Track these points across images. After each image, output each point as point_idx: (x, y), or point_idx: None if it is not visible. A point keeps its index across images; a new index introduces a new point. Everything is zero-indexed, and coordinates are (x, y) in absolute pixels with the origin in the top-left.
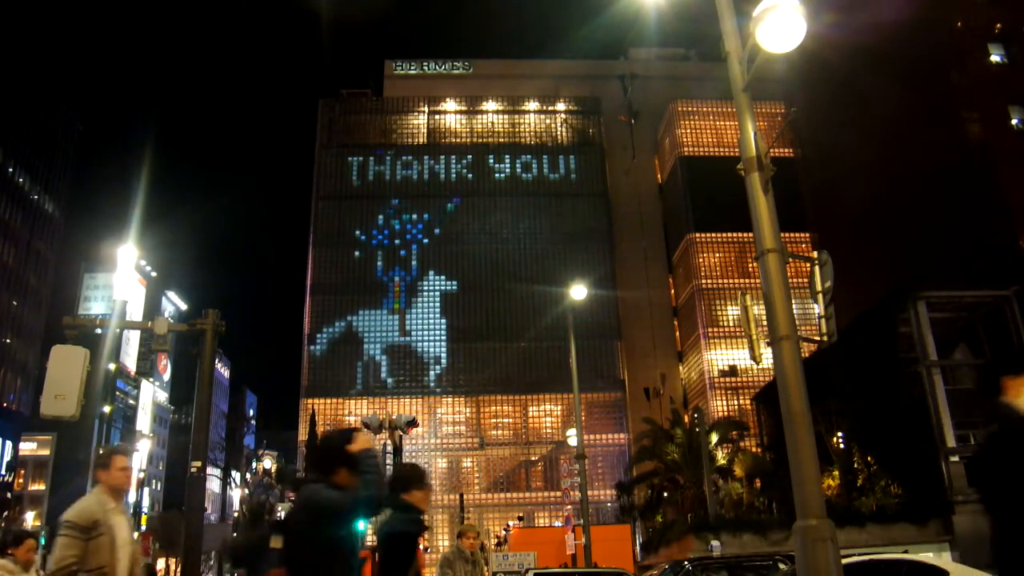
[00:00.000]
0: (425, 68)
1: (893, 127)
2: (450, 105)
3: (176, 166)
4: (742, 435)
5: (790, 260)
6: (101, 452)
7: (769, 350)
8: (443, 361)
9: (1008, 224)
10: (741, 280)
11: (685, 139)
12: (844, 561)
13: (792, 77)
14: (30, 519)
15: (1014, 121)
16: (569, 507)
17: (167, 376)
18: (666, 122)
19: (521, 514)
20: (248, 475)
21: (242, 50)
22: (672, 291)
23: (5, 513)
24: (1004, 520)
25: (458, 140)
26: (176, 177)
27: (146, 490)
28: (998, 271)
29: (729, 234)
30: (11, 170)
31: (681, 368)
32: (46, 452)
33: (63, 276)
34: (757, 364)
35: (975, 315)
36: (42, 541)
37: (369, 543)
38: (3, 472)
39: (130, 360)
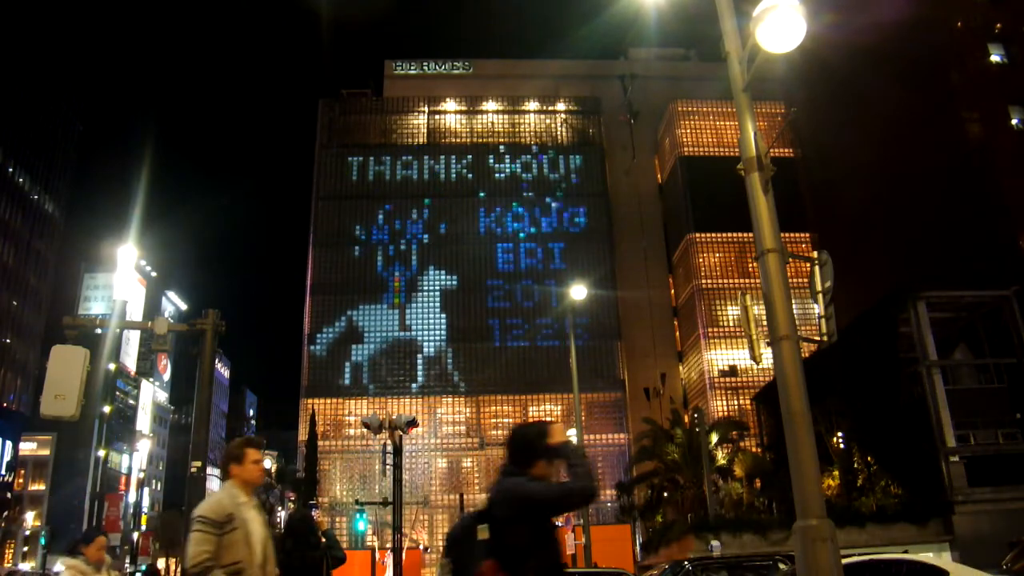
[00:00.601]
0: (425, 68)
1: (893, 127)
2: (450, 105)
3: (176, 166)
4: (742, 435)
5: (790, 260)
6: (233, 444)
7: (769, 350)
8: (443, 361)
9: (1008, 224)
10: (741, 280)
11: (685, 139)
12: (844, 561)
13: (792, 77)
14: (30, 519)
15: (1014, 121)
16: None
17: (167, 376)
18: (666, 122)
19: None
20: None
21: (242, 50)
22: (672, 291)
23: (5, 513)
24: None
25: (458, 140)
26: (176, 177)
27: (146, 490)
28: (998, 271)
29: (729, 234)
30: (11, 170)
31: (681, 368)
32: (46, 452)
33: (63, 276)
34: (757, 364)
35: (975, 315)
36: (42, 541)
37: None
38: (3, 472)
39: (130, 360)
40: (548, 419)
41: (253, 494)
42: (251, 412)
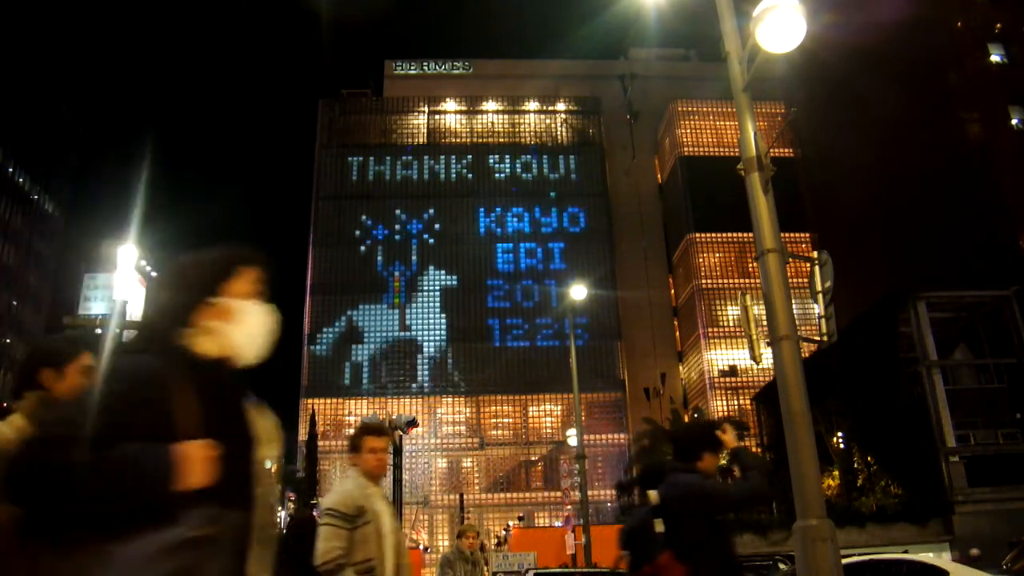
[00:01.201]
0: (425, 68)
1: (893, 127)
2: (450, 105)
3: (176, 166)
4: (742, 435)
5: (790, 260)
6: (353, 433)
7: (769, 350)
8: (443, 361)
9: (1008, 224)
10: (741, 280)
11: (685, 139)
12: (844, 561)
13: (792, 77)
14: None
15: (1014, 121)
16: (569, 507)
17: None
18: (666, 122)
19: (521, 514)
20: None
21: (242, 50)
22: (672, 291)
23: None
24: None
25: (458, 140)
26: (176, 177)
27: None
28: (998, 271)
29: (729, 234)
30: (11, 170)
31: (681, 368)
32: None
33: (63, 276)
34: (757, 364)
35: (975, 315)
36: None
37: None
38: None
39: None
40: (723, 418)
41: (379, 484)
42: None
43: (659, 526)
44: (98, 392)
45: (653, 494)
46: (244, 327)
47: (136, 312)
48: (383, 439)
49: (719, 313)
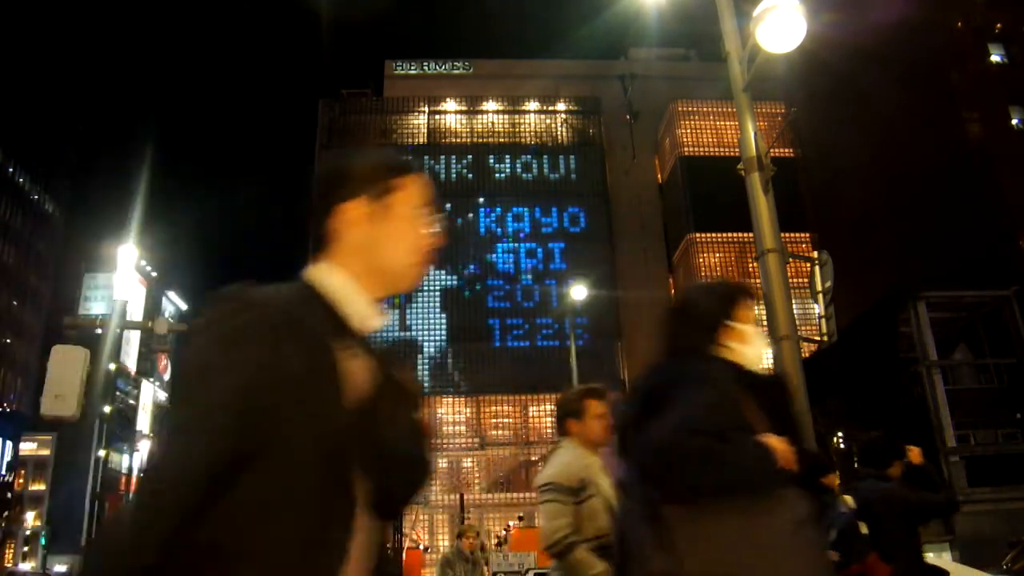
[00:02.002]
0: (425, 68)
1: (893, 127)
2: (450, 105)
3: (176, 166)
4: None
5: (790, 260)
6: (570, 395)
7: (769, 350)
8: (443, 361)
9: (1008, 224)
10: (741, 280)
11: (685, 139)
12: None
13: (792, 77)
14: (30, 519)
15: (1014, 121)
16: None
17: (167, 376)
18: (666, 122)
19: (521, 514)
20: None
21: (242, 50)
22: (672, 291)
23: (6, 513)
24: None
25: (458, 140)
26: (177, 177)
27: None
28: (998, 271)
29: (729, 234)
30: (11, 170)
31: None
32: (46, 452)
33: (63, 276)
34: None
35: (975, 315)
36: (42, 541)
37: None
38: (3, 472)
39: (130, 360)
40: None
41: (598, 454)
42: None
43: (864, 527)
44: (701, 393)
45: (849, 499)
46: (753, 347)
47: (136, 312)
48: (604, 403)
49: None
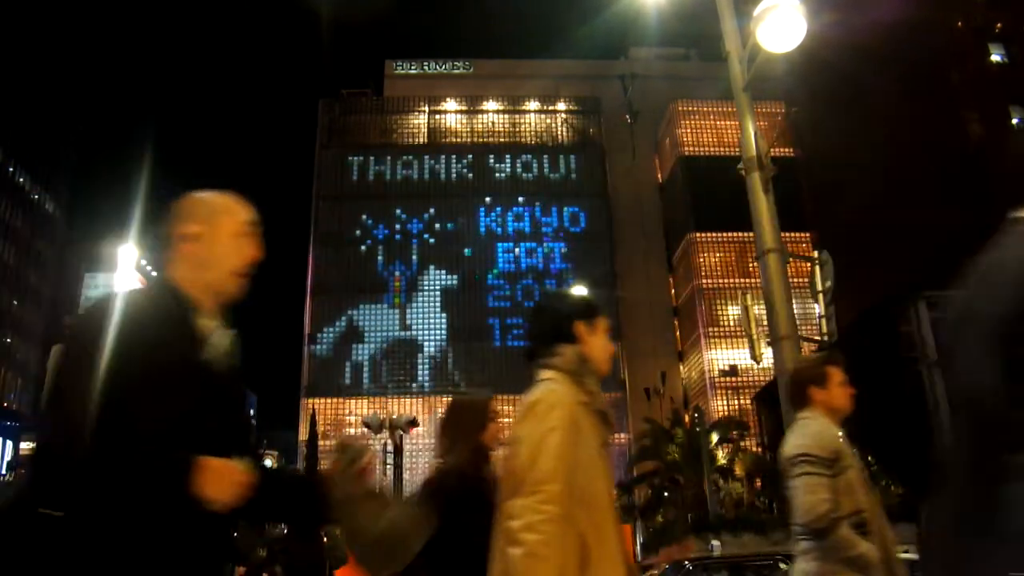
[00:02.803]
0: (425, 68)
1: (894, 127)
2: (450, 105)
3: (177, 166)
4: (742, 435)
5: (790, 260)
6: (808, 364)
7: (769, 350)
8: (443, 361)
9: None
10: (741, 280)
11: (685, 139)
12: None
13: (793, 77)
14: None
15: (1014, 121)
16: None
17: None
18: (666, 122)
19: None
20: None
21: (242, 50)
22: (672, 291)
23: None
24: None
25: (458, 140)
26: (177, 177)
27: None
28: None
29: (729, 234)
30: (11, 170)
31: (681, 368)
32: None
33: (63, 276)
34: (757, 364)
35: None
36: None
37: None
38: (3, 472)
39: None
40: None
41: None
42: (251, 411)
43: None
44: None
45: None
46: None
47: None
48: (843, 371)
49: (719, 313)
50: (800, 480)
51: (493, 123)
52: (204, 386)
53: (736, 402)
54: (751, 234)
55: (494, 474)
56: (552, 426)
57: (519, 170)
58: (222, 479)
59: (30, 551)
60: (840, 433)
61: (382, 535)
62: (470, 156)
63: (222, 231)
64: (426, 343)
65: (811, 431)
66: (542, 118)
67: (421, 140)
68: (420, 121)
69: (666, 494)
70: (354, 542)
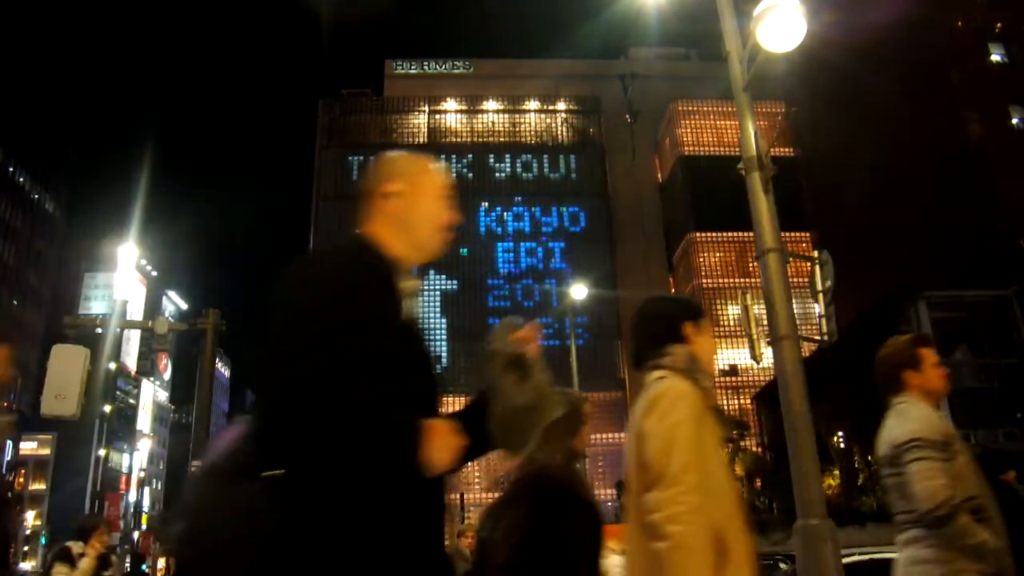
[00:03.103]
0: (425, 68)
1: (893, 126)
2: (450, 105)
3: (177, 166)
4: (742, 435)
5: (790, 260)
6: (897, 348)
7: (769, 350)
8: (443, 361)
9: (1008, 224)
10: (741, 280)
11: (685, 139)
12: (845, 561)
13: (793, 77)
14: (30, 519)
15: (1014, 121)
16: None
17: (167, 376)
18: (666, 122)
19: None
20: None
21: (242, 51)
22: (672, 291)
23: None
24: None
25: (458, 140)
26: (177, 177)
27: (147, 489)
28: (998, 271)
29: (729, 234)
30: (11, 170)
31: None
32: (46, 452)
33: (63, 276)
34: (757, 364)
35: (976, 315)
36: (42, 541)
37: None
38: (4, 472)
39: (130, 360)
40: None
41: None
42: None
43: None
44: None
45: (1012, 474)
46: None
47: (136, 312)
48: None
49: (719, 313)
50: (915, 466)
51: (493, 123)
52: (413, 346)
53: (736, 402)
54: (751, 234)
55: (582, 475)
56: (679, 419)
57: (519, 170)
58: (446, 442)
59: (257, 512)
60: (942, 415)
61: (526, 403)
62: (470, 156)
63: (424, 191)
64: (426, 341)
65: (918, 415)
66: (542, 118)
67: (421, 140)
68: (420, 121)
69: None
70: (498, 415)
